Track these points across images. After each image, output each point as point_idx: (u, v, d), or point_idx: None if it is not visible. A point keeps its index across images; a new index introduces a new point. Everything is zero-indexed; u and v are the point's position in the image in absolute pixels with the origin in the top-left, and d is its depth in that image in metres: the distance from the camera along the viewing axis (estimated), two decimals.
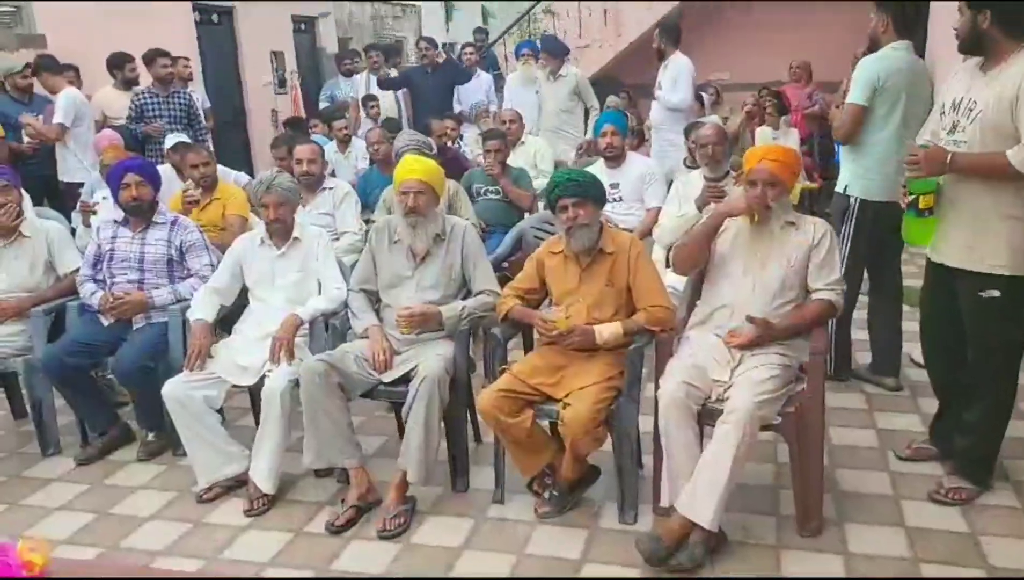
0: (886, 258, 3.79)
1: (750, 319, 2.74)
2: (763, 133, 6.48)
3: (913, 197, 2.83)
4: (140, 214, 3.62)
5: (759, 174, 2.81)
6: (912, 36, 3.60)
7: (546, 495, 2.99)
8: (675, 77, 5.85)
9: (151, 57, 5.93)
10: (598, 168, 4.50)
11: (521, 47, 7.16)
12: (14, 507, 3.22)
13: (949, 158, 2.67)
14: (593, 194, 2.93)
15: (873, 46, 3.64)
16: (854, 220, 3.63)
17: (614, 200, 4.42)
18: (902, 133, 3.45)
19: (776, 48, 8.48)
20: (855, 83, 3.52)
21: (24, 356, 3.57)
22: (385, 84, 7.53)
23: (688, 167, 5.00)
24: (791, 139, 6.40)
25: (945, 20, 3.67)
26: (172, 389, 3.12)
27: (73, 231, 4.36)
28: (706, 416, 2.72)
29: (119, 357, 3.45)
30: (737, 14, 9.35)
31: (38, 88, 5.94)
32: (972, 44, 2.72)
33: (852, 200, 3.64)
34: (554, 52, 6.58)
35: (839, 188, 3.75)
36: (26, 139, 5.77)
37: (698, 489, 2.56)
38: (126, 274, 3.59)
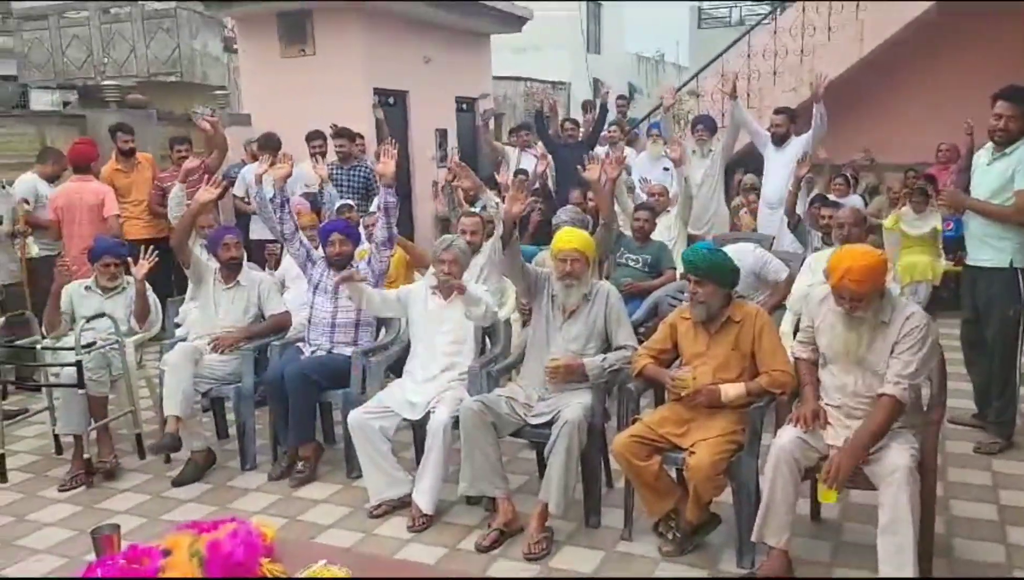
0: None
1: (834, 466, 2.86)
2: (906, 214, 6.60)
3: None
4: (340, 266, 4.33)
5: (843, 292, 2.94)
6: None
7: (669, 536, 3.33)
8: (795, 155, 6.17)
9: (334, 135, 6.86)
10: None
11: (652, 127, 7.66)
12: (222, 509, 3.88)
13: None
14: (714, 277, 3.27)
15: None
16: None
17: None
18: None
19: (922, 128, 8.54)
20: None
21: (236, 384, 4.31)
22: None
23: (824, 243, 5.25)
24: (932, 221, 6.49)
25: None
26: (355, 418, 3.72)
27: None
28: (818, 473, 2.99)
29: (289, 366, 4.09)
30: (884, 93, 9.49)
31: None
32: None
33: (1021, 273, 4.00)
34: (711, 128, 7.04)
35: (999, 263, 4.03)
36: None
37: (891, 559, 2.78)
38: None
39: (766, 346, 3.25)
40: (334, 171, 6.76)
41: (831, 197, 6.19)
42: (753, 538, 3.04)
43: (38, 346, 4.34)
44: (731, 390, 3.17)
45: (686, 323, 3.41)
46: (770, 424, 3.37)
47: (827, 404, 3.12)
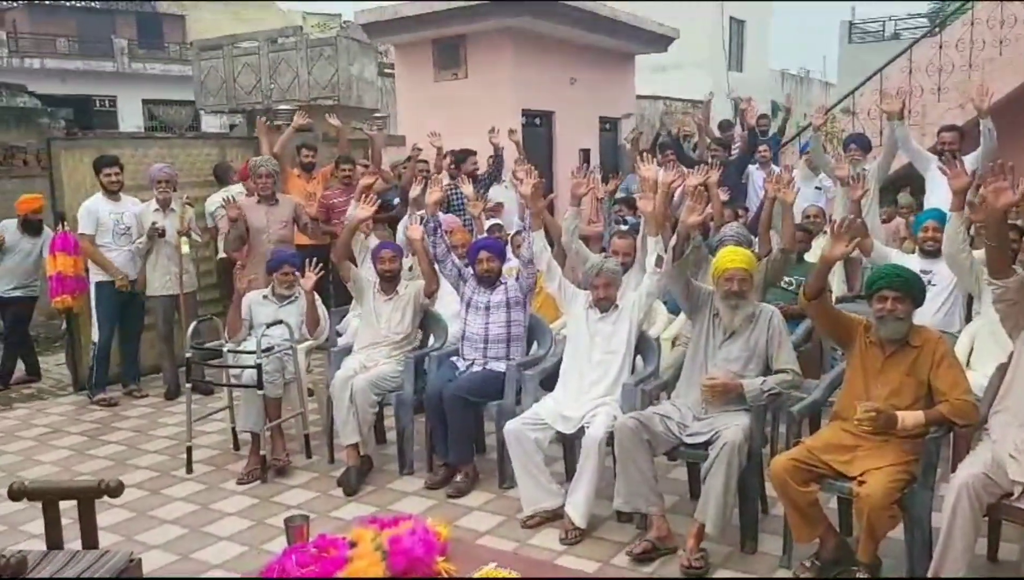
0: None
1: None
2: None
3: None
4: (490, 283, 4.49)
5: None
6: None
7: (808, 563, 3.24)
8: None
9: (464, 157, 7.09)
10: (913, 259, 4.71)
11: (804, 148, 7.46)
12: (384, 510, 4.07)
13: None
14: (914, 292, 3.20)
15: None
16: None
17: (929, 284, 4.54)
18: None
19: None
20: None
21: (398, 392, 4.52)
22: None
23: None
24: None
25: None
26: (512, 428, 3.84)
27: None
28: (1000, 511, 2.85)
29: (447, 386, 4.24)
30: None
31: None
32: None
33: None
34: (864, 147, 6.80)
35: None
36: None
37: None
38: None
39: (946, 373, 3.11)
40: (451, 191, 6.95)
41: None
42: (929, 576, 2.90)
43: (224, 349, 4.72)
44: (909, 417, 3.04)
45: (865, 337, 3.31)
46: (945, 458, 3.23)
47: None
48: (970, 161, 5.94)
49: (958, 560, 2.82)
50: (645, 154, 8.12)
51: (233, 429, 4.92)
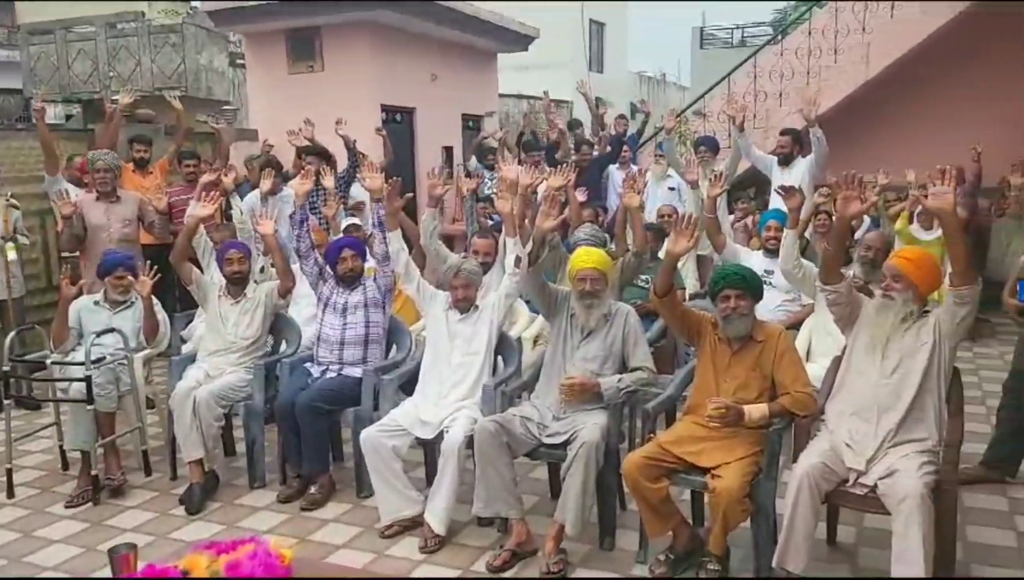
0: None
1: None
2: (915, 230, 6.60)
3: None
4: (350, 283, 4.33)
5: (888, 270, 3.14)
6: None
7: (662, 558, 3.30)
8: (801, 175, 6.20)
9: (305, 152, 6.81)
10: (757, 256, 4.91)
11: (657, 148, 7.73)
12: (231, 528, 3.84)
13: None
14: (753, 289, 3.31)
15: None
16: None
17: (768, 284, 4.73)
18: None
19: (930, 149, 8.58)
20: None
21: (247, 401, 4.27)
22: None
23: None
24: (938, 231, 6.50)
25: None
26: (367, 437, 3.69)
27: None
28: (838, 498, 3.00)
29: (300, 395, 4.05)
30: (894, 113, 9.55)
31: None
32: None
33: None
34: (714, 149, 7.08)
35: None
36: None
37: None
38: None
39: (788, 366, 3.23)
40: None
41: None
42: (774, 563, 3.00)
43: (47, 361, 4.30)
44: (755, 411, 3.12)
45: (713, 334, 3.39)
46: (786, 447, 3.36)
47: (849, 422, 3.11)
48: (804, 165, 6.33)
49: (800, 546, 2.94)
50: (506, 154, 8.17)
51: (61, 447, 4.50)
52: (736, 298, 3.25)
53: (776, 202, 6.38)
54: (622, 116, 8.93)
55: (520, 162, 7.83)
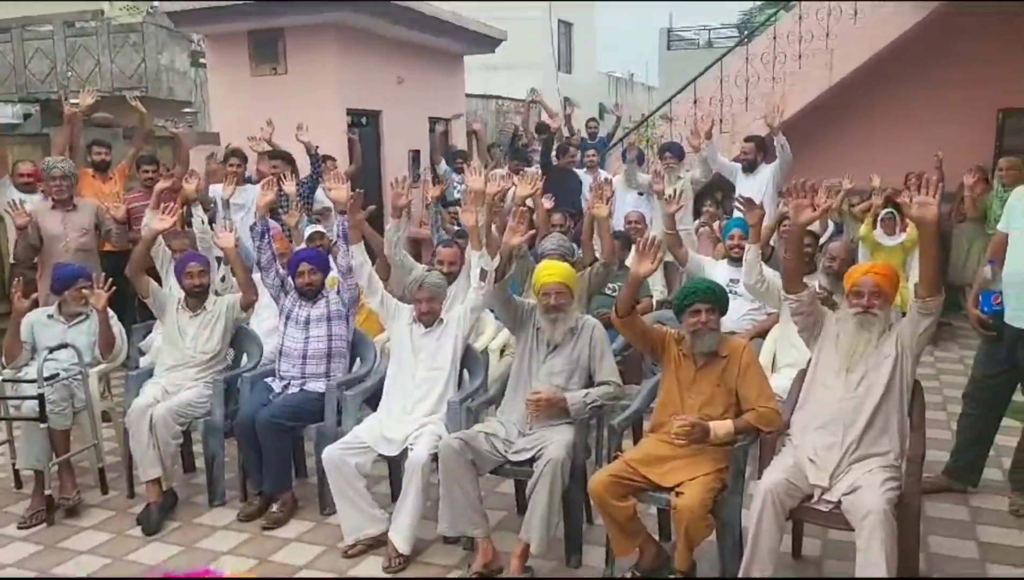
0: None
1: None
2: (879, 235, 6.67)
3: None
4: (311, 296, 4.25)
5: (865, 286, 3.13)
6: None
7: (628, 575, 3.28)
8: (765, 182, 6.24)
9: (270, 156, 6.68)
10: (721, 265, 4.91)
11: (625, 153, 7.72)
12: (190, 549, 3.75)
13: None
14: (722, 303, 3.30)
15: None
16: None
17: (733, 293, 4.73)
18: None
19: (892, 152, 8.72)
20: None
21: (206, 417, 4.17)
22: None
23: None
24: (902, 236, 6.59)
25: None
26: (330, 454, 3.62)
27: None
28: (801, 514, 3.01)
29: (261, 412, 3.97)
30: (856, 119, 9.65)
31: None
32: None
33: None
34: (679, 155, 7.08)
35: None
36: None
37: None
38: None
39: (752, 382, 3.22)
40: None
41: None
42: (740, 575, 2.99)
43: None
44: (720, 428, 3.11)
45: (677, 349, 3.37)
46: (752, 460, 3.35)
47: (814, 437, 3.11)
48: (769, 172, 6.37)
49: (764, 560, 2.95)
50: (475, 158, 8.10)
51: (14, 466, 4.36)
52: (707, 313, 3.24)
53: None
54: (593, 118, 8.91)
55: (508, 167, 7.80)
